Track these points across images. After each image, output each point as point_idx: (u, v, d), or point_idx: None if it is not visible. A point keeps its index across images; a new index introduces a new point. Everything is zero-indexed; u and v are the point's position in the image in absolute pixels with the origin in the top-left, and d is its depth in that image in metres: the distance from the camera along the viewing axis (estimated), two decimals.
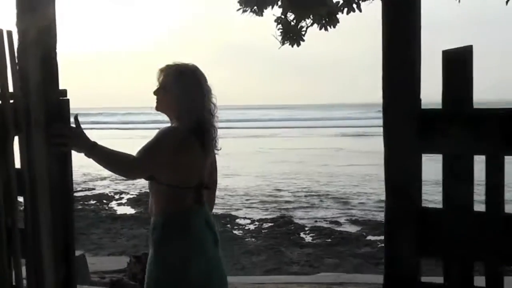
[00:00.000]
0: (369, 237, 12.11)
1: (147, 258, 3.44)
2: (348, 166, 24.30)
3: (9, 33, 2.40)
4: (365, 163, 25.14)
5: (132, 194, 18.19)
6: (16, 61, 2.45)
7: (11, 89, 2.42)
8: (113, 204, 16.71)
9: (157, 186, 3.27)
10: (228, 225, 13.38)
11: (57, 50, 2.54)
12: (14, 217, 2.46)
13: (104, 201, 17.11)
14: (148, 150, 3.12)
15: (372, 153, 30.00)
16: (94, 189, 19.69)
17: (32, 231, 2.46)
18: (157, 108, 3.41)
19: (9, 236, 2.53)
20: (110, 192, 18.74)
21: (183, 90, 3.27)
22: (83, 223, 13.49)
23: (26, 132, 2.45)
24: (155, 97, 3.37)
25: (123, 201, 17.12)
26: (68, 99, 2.64)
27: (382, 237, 11.79)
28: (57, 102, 2.59)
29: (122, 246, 11.31)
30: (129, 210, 15.53)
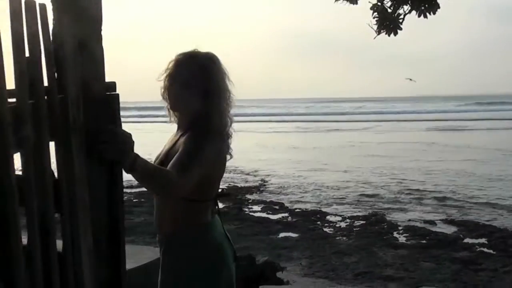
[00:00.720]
0: (467, 240, 11.24)
1: None
2: (441, 162, 23.15)
3: (43, 7, 1.84)
4: (460, 158, 23.98)
5: (221, 188, 17.87)
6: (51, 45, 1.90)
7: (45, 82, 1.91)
8: None
9: (174, 200, 2.87)
10: (319, 222, 12.81)
11: (102, 33, 2.06)
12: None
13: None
14: (196, 167, 2.67)
15: (468, 148, 28.70)
16: None
17: (72, 259, 1.95)
18: (175, 107, 2.93)
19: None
20: None
21: (213, 85, 2.80)
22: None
23: (62, 135, 1.94)
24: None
25: None
26: (117, 95, 2.14)
27: (480, 240, 11.04)
28: (103, 98, 2.10)
29: None
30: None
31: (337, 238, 11.45)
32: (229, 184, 18.56)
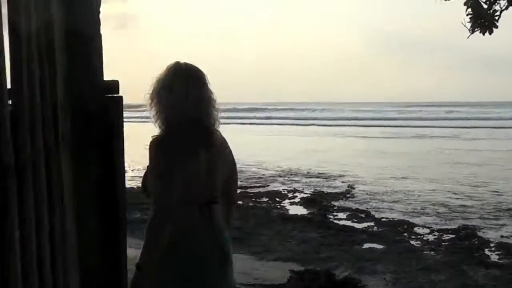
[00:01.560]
0: None
1: (311, 275, 3.14)
2: None
3: None
4: None
5: (306, 193, 17.54)
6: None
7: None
8: (286, 203, 16.11)
9: None
10: (405, 234, 12.21)
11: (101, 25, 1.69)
12: None
13: (277, 199, 16.57)
14: None
15: None
16: (268, 185, 19.32)
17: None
18: None
19: None
20: (284, 189, 18.21)
21: None
22: (254, 222, 13.03)
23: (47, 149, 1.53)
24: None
25: (296, 200, 16.47)
26: (120, 97, 1.73)
27: None
28: (100, 102, 1.70)
29: (291, 251, 10.57)
30: (301, 211, 14.82)
31: (425, 252, 10.82)
32: (315, 189, 18.16)
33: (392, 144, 36.24)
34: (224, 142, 3.30)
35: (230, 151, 3.35)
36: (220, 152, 3.21)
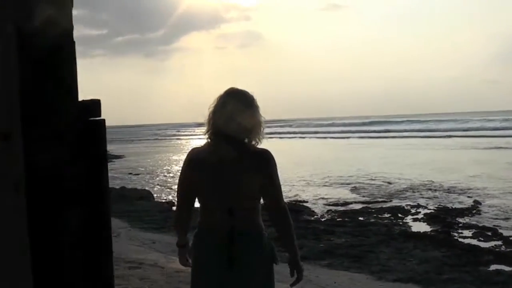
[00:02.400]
0: None
1: None
2: None
3: None
4: None
5: (430, 209, 16.86)
6: None
7: None
8: (408, 219, 15.54)
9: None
10: None
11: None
12: None
13: (399, 214, 16.04)
14: None
15: None
16: (391, 200, 18.79)
17: None
18: None
19: None
20: (407, 205, 17.62)
21: None
22: (374, 239, 12.65)
23: None
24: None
25: (419, 216, 15.84)
26: (101, 121, 1.47)
27: None
28: (77, 127, 1.38)
29: (412, 271, 10.10)
30: (424, 228, 14.22)
31: None
32: (439, 205, 17.45)
33: None
34: (260, 155, 3.59)
35: (267, 163, 3.60)
36: (250, 164, 3.52)
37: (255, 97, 3.62)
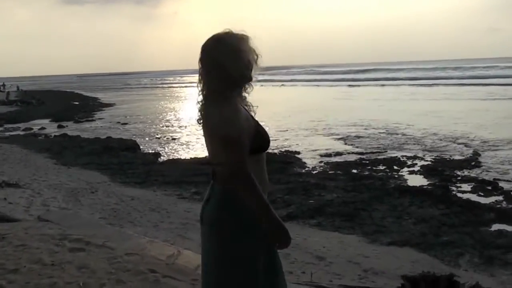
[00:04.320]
0: None
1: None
2: None
3: None
4: None
5: (427, 160, 16.06)
6: None
7: None
8: (404, 171, 14.72)
9: None
10: None
11: None
12: None
13: (395, 167, 15.23)
14: None
15: None
16: (386, 151, 17.98)
17: None
18: None
19: None
20: (403, 156, 16.80)
21: None
22: (367, 194, 11.86)
23: None
24: None
25: (416, 168, 15.03)
26: None
27: None
28: None
29: (407, 232, 9.32)
30: (420, 181, 13.42)
31: None
32: (437, 156, 16.64)
33: None
34: (212, 114, 2.83)
35: (217, 122, 2.79)
36: (206, 123, 2.86)
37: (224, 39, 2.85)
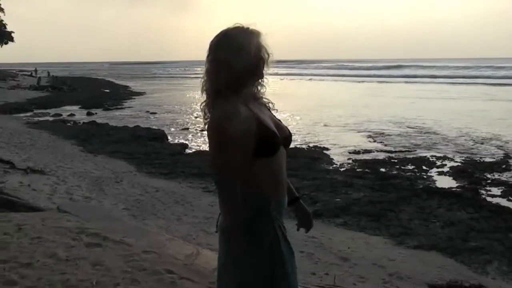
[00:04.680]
0: None
1: None
2: None
3: None
4: None
5: (457, 161, 15.73)
6: None
7: None
8: (433, 172, 14.41)
9: None
10: None
11: None
12: None
13: (423, 167, 14.93)
14: None
15: None
16: (415, 150, 17.66)
17: None
18: None
19: None
20: (432, 156, 16.49)
21: None
22: (395, 194, 11.60)
23: None
24: None
25: (445, 169, 14.72)
26: None
27: None
28: None
29: (435, 235, 9.06)
30: (450, 183, 13.11)
31: None
32: (467, 157, 16.29)
33: None
34: (210, 120, 2.63)
35: (209, 123, 2.61)
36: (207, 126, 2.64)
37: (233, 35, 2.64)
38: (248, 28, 2.64)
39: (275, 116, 2.84)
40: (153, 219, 8.81)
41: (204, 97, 2.68)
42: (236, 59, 2.57)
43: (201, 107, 2.69)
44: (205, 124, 2.67)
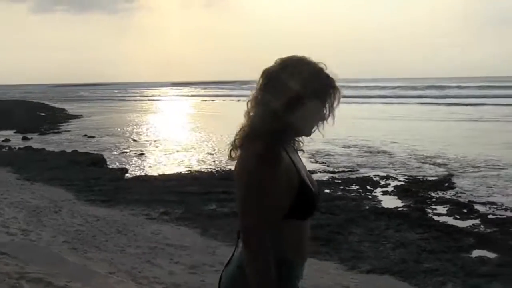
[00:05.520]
0: None
1: None
2: None
3: None
4: None
5: (400, 180, 15.73)
6: None
7: None
8: (377, 192, 14.33)
9: None
10: None
11: None
12: None
13: (368, 187, 14.84)
14: None
15: None
16: (358, 170, 17.59)
17: None
18: None
19: None
20: (375, 175, 16.44)
21: None
22: (342, 217, 11.40)
23: None
24: None
25: (389, 188, 14.66)
26: None
27: None
28: None
29: (387, 258, 8.86)
30: (395, 203, 13.02)
31: None
32: (410, 176, 16.32)
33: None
34: (243, 158, 2.22)
35: (242, 163, 2.21)
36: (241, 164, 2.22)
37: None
38: (310, 61, 2.27)
39: (305, 165, 2.45)
40: (95, 252, 8.31)
41: (238, 129, 2.31)
42: (297, 96, 2.18)
43: (231, 142, 2.32)
44: (233, 158, 2.31)
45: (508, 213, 11.94)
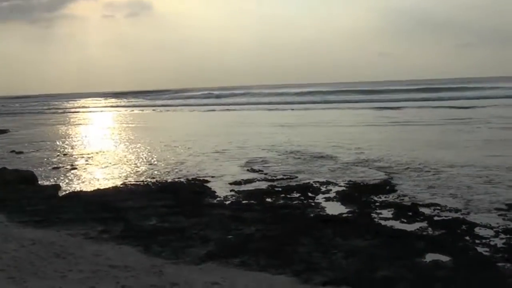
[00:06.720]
0: None
1: None
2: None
3: None
4: None
5: (341, 186, 15.50)
6: None
7: None
8: (320, 198, 14.05)
9: None
10: (467, 238, 10.21)
11: None
12: None
13: (309, 194, 14.55)
14: None
15: None
16: (296, 177, 17.26)
17: None
18: None
19: None
20: (315, 182, 16.16)
21: None
22: (288, 226, 11.01)
23: None
24: None
25: (331, 194, 14.43)
26: None
27: None
28: None
29: (340, 269, 8.51)
30: (339, 209, 12.77)
31: (499, 264, 8.76)
32: (349, 180, 16.12)
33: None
34: None
35: None
36: None
37: None
38: None
39: None
40: (34, 280, 7.60)
41: None
42: None
43: None
44: None
45: (453, 214, 11.88)
